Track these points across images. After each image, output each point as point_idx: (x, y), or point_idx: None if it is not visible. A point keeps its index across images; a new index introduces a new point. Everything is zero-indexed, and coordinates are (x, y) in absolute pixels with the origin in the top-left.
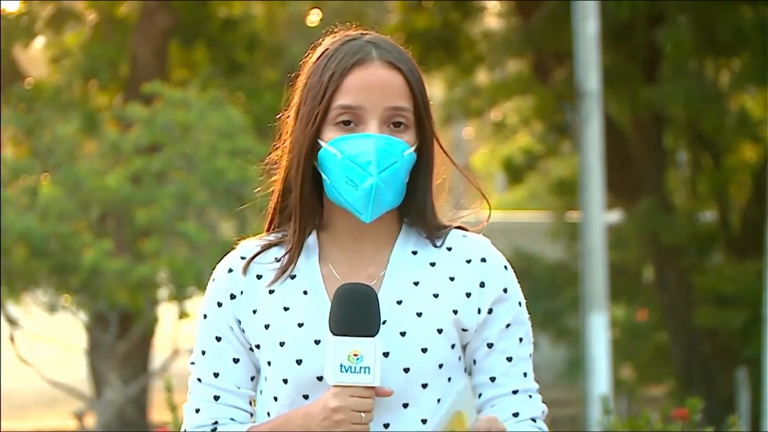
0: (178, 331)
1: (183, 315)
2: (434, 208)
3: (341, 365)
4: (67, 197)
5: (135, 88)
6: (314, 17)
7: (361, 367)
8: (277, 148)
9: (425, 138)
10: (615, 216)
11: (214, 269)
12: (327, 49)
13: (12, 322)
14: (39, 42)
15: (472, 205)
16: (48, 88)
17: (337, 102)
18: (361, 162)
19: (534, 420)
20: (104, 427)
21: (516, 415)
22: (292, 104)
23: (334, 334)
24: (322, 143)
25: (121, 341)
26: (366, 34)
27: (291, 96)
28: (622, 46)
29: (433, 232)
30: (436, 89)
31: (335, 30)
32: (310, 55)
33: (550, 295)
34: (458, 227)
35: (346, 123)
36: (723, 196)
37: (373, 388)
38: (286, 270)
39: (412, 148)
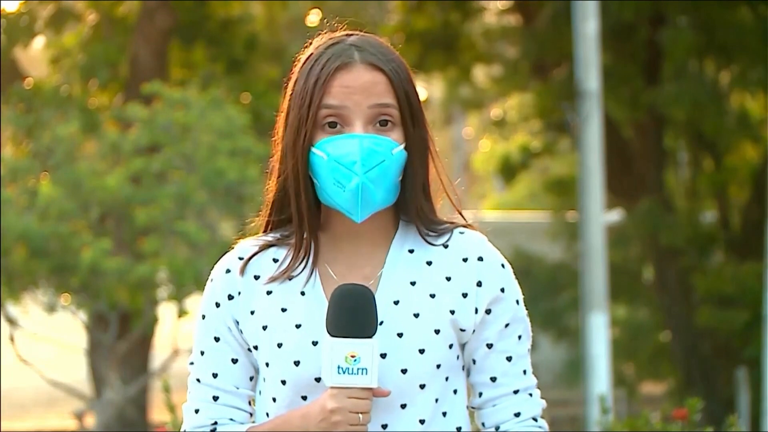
0: (178, 331)
1: (182, 313)
2: (432, 206)
3: (339, 367)
4: (66, 197)
5: (135, 88)
6: (314, 17)
7: (358, 369)
8: (273, 154)
9: (413, 135)
10: (615, 216)
11: (212, 269)
12: (312, 54)
13: (12, 322)
14: (39, 42)
15: (470, 206)
16: (48, 88)
17: (323, 106)
18: (347, 162)
19: (535, 419)
20: (104, 427)
21: (517, 414)
22: (282, 110)
23: (331, 335)
24: (311, 148)
25: (121, 341)
26: (352, 35)
27: (282, 101)
28: (622, 46)
29: (432, 229)
30: (436, 89)
31: (325, 31)
32: (299, 58)
33: (550, 295)
34: (455, 224)
35: (332, 125)
36: (723, 196)
37: (370, 389)
38: (290, 272)
39: (402, 146)
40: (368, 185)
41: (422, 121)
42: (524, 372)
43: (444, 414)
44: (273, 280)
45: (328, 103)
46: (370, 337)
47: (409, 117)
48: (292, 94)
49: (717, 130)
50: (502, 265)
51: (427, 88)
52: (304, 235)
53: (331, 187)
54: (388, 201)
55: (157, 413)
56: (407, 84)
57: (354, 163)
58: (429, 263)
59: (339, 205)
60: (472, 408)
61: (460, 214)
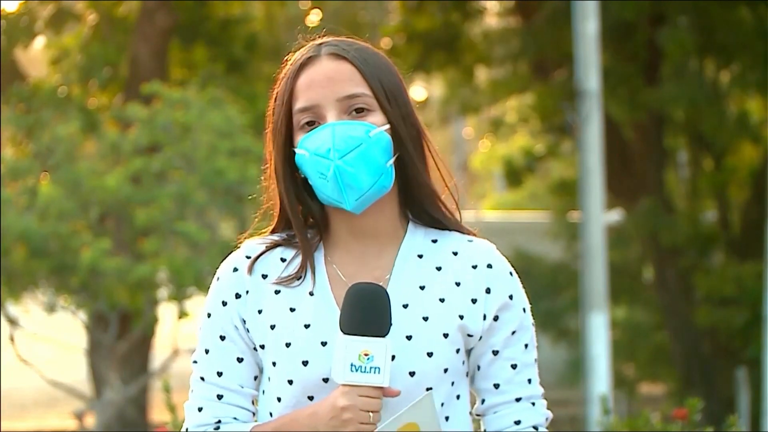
0: (178, 331)
1: (183, 315)
2: (436, 192)
3: (352, 364)
4: (66, 197)
5: (135, 88)
6: (314, 17)
7: (371, 367)
8: (270, 159)
9: (394, 116)
10: (615, 216)
11: (216, 268)
12: (288, 61)
13: (12, 322)
14: (39, 42)
15: (471, 206)
16: (47, 89)
17: (295, 107)
18: (323, 152)
19: (536, 428)
20: (104, 427)
21: (518, 423)
22: (269, 116)
23: (345, 333)
24: (295, 150)
25: (121, 341)
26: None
27: (268, 108)
28: (622, 46)
29: (440, 217)
30: (436, 89)
31: (315, 35)
32: (286, 63)
33: (550, 296)
34: (462, 229)
35: (310, 123)
36: (723, 196)
37: (382, 388)
38: (298, 274)
39: (382, 128)
40: (346, 170)
41: (404, 102)
42: (529, 381)
43: (447, 419)
44: (281, 282)
45: (300, 107)
46: (384, 336)
47: (385, 99)
48: (273, 100)
49: (716, 130)
50: (510, 273)
51: (427, 88)
52: (303, 237)
53: (317, 182)
54: (381, 185)
55: (157, 413)
56: (377, 67)
57: (329, 150)
58: (438, 268)
59: (330, 198)
60: (477, 415)
61: (457, 205)
